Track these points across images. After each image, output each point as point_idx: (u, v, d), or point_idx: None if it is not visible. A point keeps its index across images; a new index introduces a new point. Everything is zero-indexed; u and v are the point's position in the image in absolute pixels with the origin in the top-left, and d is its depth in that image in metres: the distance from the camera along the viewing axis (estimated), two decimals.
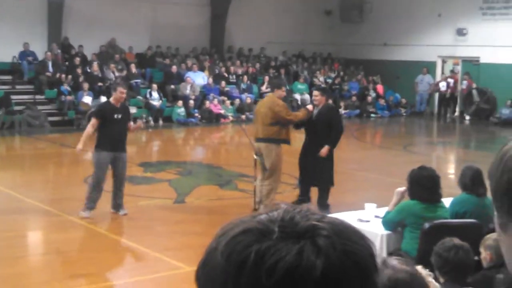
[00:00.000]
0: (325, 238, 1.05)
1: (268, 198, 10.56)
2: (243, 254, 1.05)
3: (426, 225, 6.01)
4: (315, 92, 11.50)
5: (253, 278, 1.03)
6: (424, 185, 6.31)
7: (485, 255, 5.08)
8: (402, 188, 6.61)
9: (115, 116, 10.33)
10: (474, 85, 27.62)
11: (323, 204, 10.80)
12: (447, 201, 6.73)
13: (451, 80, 28.41)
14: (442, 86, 28.39)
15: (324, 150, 10.76)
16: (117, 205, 10.65)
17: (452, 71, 29.40)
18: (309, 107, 10.92)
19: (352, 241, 1.07)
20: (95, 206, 10.42)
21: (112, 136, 10.24)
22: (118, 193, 10.63)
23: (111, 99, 10.60)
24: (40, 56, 23.95)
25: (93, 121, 10.37)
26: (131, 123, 11.08)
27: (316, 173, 10.85)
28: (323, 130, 10.79)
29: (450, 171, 16.46)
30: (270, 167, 10.57)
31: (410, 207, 6.37)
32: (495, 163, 1.21)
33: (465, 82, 27.95)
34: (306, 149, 11.07)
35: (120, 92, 10.45)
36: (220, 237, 1.10)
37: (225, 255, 1.06)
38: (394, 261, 2.36)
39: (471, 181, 6.63)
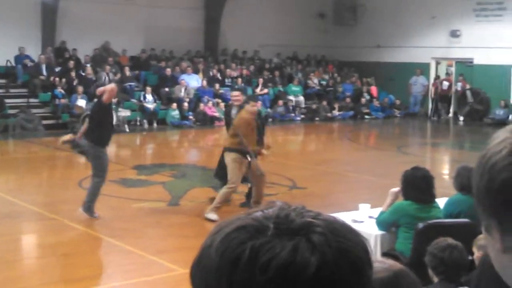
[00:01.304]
0: (319, 235, 1.05)
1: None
2: (237, 250, 1.04)
3: (420, 225, 6.02)
4: (235, 93, 11.75)
5: (247, 275, 1.03)
6: (418, 185, 6.33)
7: (478, 254, 5.09)
8: (396, 189, 6.62)
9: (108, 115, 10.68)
10: (468, 86, 27.69)
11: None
12: (441, 201, 6.74)
13: (446, 82, 28.46)
14: (445, 86, 28.34)
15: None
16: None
17: (446, 73, 29.46)
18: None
19: (346, 239, 1.07)
20: None
21: (108, 134, 10.51)
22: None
23: (103, 99, 10.64)
24: (35, 59, 23.95)
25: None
26: None
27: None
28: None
29: (444, 171, 16.49)
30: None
31: (404, 207, 6.38)
32: (476, 167, 1.22)
33: (459, 83, 28.04)
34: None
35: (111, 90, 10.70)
36: (214, 234, 1.10)
37: (220, 252, 1.06)
38: (382, 259, 2.35)
39: (468, 181, 6.64)
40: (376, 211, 6.85)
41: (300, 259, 1.02)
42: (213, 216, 10.26)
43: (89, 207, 10.43)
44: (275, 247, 1.03)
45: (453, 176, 6.82)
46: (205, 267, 1.08)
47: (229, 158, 10.49)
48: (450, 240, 4.67)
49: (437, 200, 6.55)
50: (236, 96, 11.72)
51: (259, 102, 10.81)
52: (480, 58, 27.16)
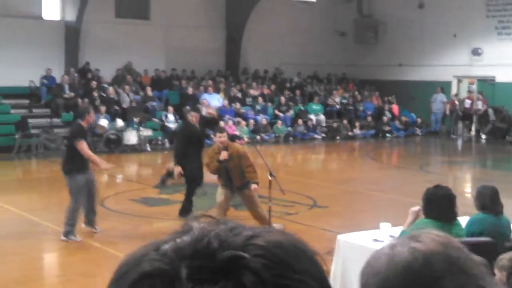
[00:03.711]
0: (251, 273, 0.79)
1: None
2: None
3: None
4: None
5: None
6: (439, 204, 6.28)
7: (500, 275, 5.04)
8: (417, 208, 6.58)
9: (88, 139, 10.73)
10: (487, 105, 27.53)
11: None
12: (463, 220, 6.69)
13: (468, 101, 28.32)
14: (467, 104, 28.21)
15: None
16: (94, 221, 10.99)
17: (468, 91, 29.31)
18: (222, 155, 10.44)
19: (292, 269, 0.82)
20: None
21: (84, 158, 10.49)
22: (95, 209, 11.04)
23: (83, 122, 10.76)
24: (58, 80, 24.20)
25: (83, 143, 10.47)
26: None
27: None
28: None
29: (466, 190, 16.37)
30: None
31: (425, 226, 6.34)
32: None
33: (479, 102, 27.86)
34: None
35: (92, 115, 11.02)
36: (115, 282, 0.86)
37: None
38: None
39: (490, 200, 6.60)
40: (398, 230, 6.82)
41: None
42: None
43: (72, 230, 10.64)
44: None
45: (474, 196, 6.78)
46: None
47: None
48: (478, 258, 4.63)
49: (459, 218, 6.51)
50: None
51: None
52: (502, 76, 27.02)
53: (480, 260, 1.33)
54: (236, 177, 10.48)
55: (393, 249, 1.32)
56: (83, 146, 10.44)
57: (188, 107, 24.18)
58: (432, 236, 1.34)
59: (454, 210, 6.36)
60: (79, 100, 23.19)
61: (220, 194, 10.66)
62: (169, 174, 12.62)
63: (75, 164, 10.48)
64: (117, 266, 0.87)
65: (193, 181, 11.90)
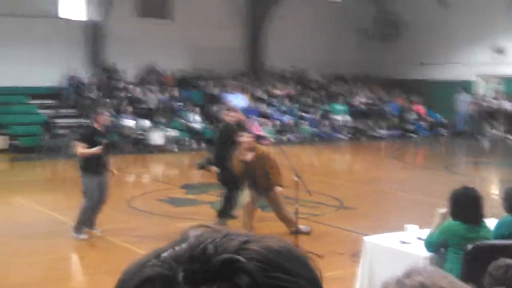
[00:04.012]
0: (245, 275, 0.83)
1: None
2: None
3: (469, 246, 5.98)
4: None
5: None
6: (467, 205, 6.27)
7: None
8: (444, 209, 6.57)
9: (100, 140, 10.71)
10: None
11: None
12: (490, 222, 6.68)
13: (495, 101, 28.11)
14: (484, 105, 28.07)
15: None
16: (92, 223, 10.98)
17: (495, 91, 29.05)
18: (247, 157, 10.54)
19: (284, 271, 0.86)
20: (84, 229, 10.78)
21: (97, 160, 10.55)
22: (98, 212, 10.99)
23: (95, 124, 10.88)
24: (83, 80, 24.40)
25: (79, 145, 10.59)
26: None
27: None
28: None
29: (493, 191, 16.26)
30: None
31: (453, 227, 6.33)
32: None
33: (507, 101, 27.55)
34: None
35: (105, 116, 11.08)
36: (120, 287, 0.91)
37: None
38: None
39: None
40: (424, 232, 6.82)
41: None
42: None
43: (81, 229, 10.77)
44: None
45: (502, 198, 6.75)
46: None
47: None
48: (508, 261, 4.64)
49: (486, 220, 6.49)
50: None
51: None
52: None
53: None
54: (261, 178, 10.52)
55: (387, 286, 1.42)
56: (78, 148, 10.62)
57: (224, 107, 24.24)
58: (423, 271, 1.45)
59: (481, 211, 6.34)
60: (106, 101, 23.36)
61: (246, 196, 10.71)
62: (202, 166, 12.45)
63: (87, 165, 10.59)
64: (121, 273, 0.93)
65: (231, 183, 11.49)
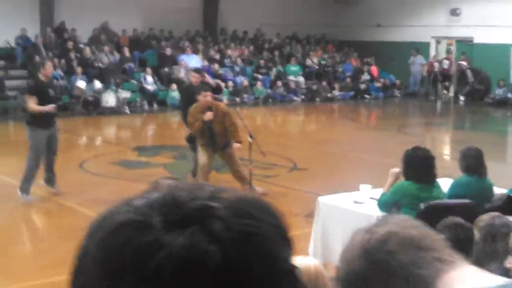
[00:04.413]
0: (218, 220, 0.88)
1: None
2: (120, 257, 0.86)
3: (422, 205, 6.03)
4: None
5: (136, 284, 0.85)
6: (419, 165, 6.32)
7: (478, 236, 5.10)
8: (397, 169, 6.61)
9: (49, 92, 10.52)
10: (468, 66, 27.62)
11: None
12: (442, 182, 6.74)
13: (446, 61, 28.39)
14: (436, 67, 28.39)
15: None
16: (51, 180, 10.93)
17: (447, 52, 29.34)
18: (207, 115, 10.49)
19: (254, 219, 0.90)
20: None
21: (46, 113, 10.36)
22: (53, 168, 10.89)
23: (40, 76, 10.65)
24: (33, 40, 23.87)
25: (32, 98, 10.35)
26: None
27: None
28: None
29: (445, 151, 16.50)
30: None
31: (405, 187, 6.38)
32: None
33: (463, 62, 27.79)
34: None
35: (48, 67, 10.69)
36: (89, 238, 0.92)
37: (98, 261, 0.88)
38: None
39: (475, 161, 6.63)
40: (377, 192, 6.86)
41: (196, 253, 0.85)
42: None
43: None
44: (164, 244, 0.85)
45: (458, 158, 6.80)
46: (85, 280, 0.89)
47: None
48: (456, 219, 4.69)
49: (438, 180, 6.55)
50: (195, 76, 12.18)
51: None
52: (481, 37, 27.05)
53: (439, 236, 1.53)
54: (220, 136, 10.50)
55: (356, 235, 1.52)
56: (29, 101, 10.37)
57: (182, 68, 24.02)
58: (393, 220, 1.54)
59: (433, 172, 6.40)
60: (55, 61, 22.91)
61: (202, 155, 10.64)
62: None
63: (35, 118, 10.39)
64: (90, 223, 0.93)
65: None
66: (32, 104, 10.33)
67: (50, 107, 10.32)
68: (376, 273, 1.45)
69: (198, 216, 0.88)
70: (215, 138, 10.51)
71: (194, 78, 12.10)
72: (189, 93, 11.69)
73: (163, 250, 0.85)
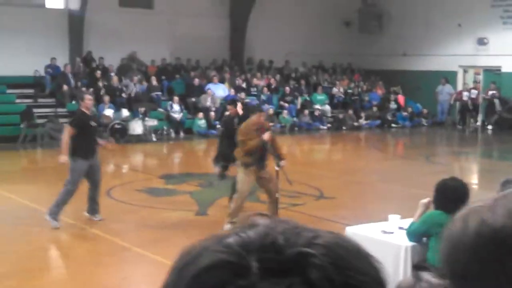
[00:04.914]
0: (317, 270, 0.81)
1: (230, 217, 10.52)
2: None
3: None
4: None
5: None
6: (451, 195, 6.23)
7: None
8: (426, 200, 6.54)
9: (91, 123, 10.65)
10: (497, 95, 27.42)
11: None
12: None
13: (474, 91, 28.20)
14: (465, 96, 28.21)
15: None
16: (93, 210, 10.96)
17: (475, 81, 29.14)
18: (265, 136, 10.43)
19: (354, 269, 0.84)
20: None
21: (88, 144, 10.50)
22: (97, 197, 10.97)
23: (82, 108, 10.78)
24: (62, 69, 24.16)
25: (70, 129, 10.48)
26: (100, 141, 11.35)
27: None
28: None
29: (473, 181, 16.31)
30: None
31: (435, 216, 6.30)
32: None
33: (492, 92, 27.51)
34: None
35: (88, 100, 10.82)
36: (178, 274, 0.85)
37: None
38: (427, 275, 2.19)
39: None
40: (406, 222, 6.78)
41: None
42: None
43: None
44: None
45: (497, 190, 6.68)
46: None
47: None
48: None
49: None
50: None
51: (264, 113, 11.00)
52: (508, 65, 26.90)
53: None
54: (270, 155, 10.60)
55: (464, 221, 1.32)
56: (65, 131, 10.57)
57: (209, 96, 24.19)
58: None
59: (465, 203, 6.31)
60: (84, 90, 23.14)
61: (244, 180, 10.41)
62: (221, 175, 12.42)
63: (76, 149, 10.47)
64: (177, 258, 0.87)
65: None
66: (65, 135, 10.45)
67: (62, 159, 10.52)
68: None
69: (297, 265, 0.80)
70: (265, 158, 10.51)
71: (231, 110, 12.24)
72: (228, 124, 11.90)
73: None
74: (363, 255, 0.87)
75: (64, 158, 10.53)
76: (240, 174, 10.50)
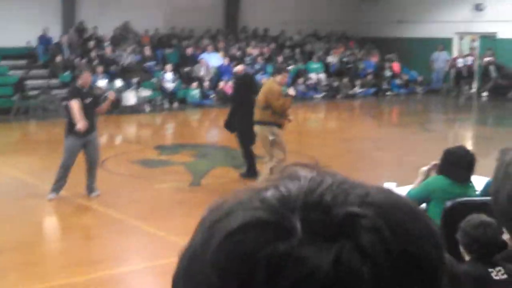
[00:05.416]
0: (371, 233, 0.68)
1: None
2: (248, 266, 0.67)
3: (448, 202, 5.86)
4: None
5: None
6: (457, 162, 6.19)
7: (509, 235, 4.93)
8: (426, 167, 6.49)
9: (86, 100, 10.37)
10: (493, 61, 27.28)
11: None
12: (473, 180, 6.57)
13: (469, 58, 28.05)
14: (460, 63, 28.09)
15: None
16: (90, 187, 10.78)
17: (471, 48, 28.96)
18: (290, 91, 11.08)
19: (412, 234, 0.71)
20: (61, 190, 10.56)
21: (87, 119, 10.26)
22: (92, 175, 10.76)
23: (80, 83, 10.58)
24: (55, 40, 23.90)
25: (74, 103, 10.25)
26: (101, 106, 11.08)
27: None
28: None
29: (468, 148, 16.24)
30: (264, 148, 10.84)
31: (437, 181, 6.24)
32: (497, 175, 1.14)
33: (488, 58, 27.37)
34: None
35: (87, 76, 10.60)
36: (206, 233, 0.73)
37: (217, 266, 0.69)
38: None
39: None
40: (402, 190, 6.69)
41: (347, 275, 0.66)
42: None
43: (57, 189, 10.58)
44: (306, 258, 0.66)
45: (496, 158, 6.62)
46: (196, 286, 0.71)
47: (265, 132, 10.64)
48: (483, 217, 4.51)
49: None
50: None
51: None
52: (504, 32, 26.72)
53: None
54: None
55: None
56: (73, 106, 10.24)
57: (203, 66, 24.11)
58: None
59: (471, 171, 6.27)
60: (77, 60, 22.94)
61: (282, 138, 10.84)
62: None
63: (69, 126, 10.31)
64: (205, 213, 0.76)
65: (248, 137, 11.66)
66: (75, 111, 10.17)
67: (81, 124, 10.16)
68: None
69: (347, 227, 0.68)
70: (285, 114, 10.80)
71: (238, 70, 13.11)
72: (247, 81, 12.30)
73: (305, 266, 0.66)
74: (421, 217, 0.74)
75: (82, 122, 10.27)
76: (279, 133, 10.76)
